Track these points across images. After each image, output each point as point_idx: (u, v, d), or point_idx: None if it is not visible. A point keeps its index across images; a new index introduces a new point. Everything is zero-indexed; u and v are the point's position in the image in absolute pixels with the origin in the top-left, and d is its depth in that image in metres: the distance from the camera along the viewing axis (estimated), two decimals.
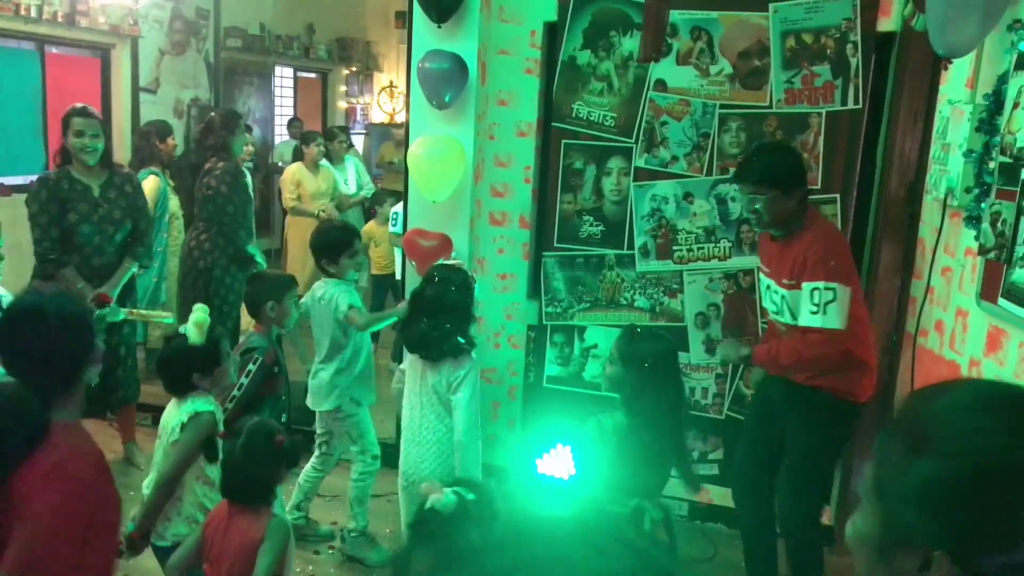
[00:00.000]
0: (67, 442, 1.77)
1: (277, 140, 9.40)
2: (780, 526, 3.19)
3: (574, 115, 3.90)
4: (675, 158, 3.80)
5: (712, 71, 3.70)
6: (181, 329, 2.58)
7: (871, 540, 0.99)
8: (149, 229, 4.38)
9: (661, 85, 3.77)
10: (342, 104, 10.56)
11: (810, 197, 3.61)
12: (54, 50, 6.72)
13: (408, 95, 3.98)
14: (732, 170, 3.70)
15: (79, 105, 4.38)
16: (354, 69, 10.50)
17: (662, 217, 3.84)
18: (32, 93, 6.57)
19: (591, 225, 3.95)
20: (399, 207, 5.05)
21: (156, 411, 2.98)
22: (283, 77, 9.62)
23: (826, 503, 3.34)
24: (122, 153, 7.33)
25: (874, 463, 1.02)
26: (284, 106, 9.67)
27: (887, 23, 3.48)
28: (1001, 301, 2.22)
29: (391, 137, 8.85)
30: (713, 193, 3.76)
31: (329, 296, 3.48)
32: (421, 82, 3.73)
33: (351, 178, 7.03)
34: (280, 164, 8.33)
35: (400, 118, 10.88)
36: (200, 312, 2.57)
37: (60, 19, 6.41)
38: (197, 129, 5.70)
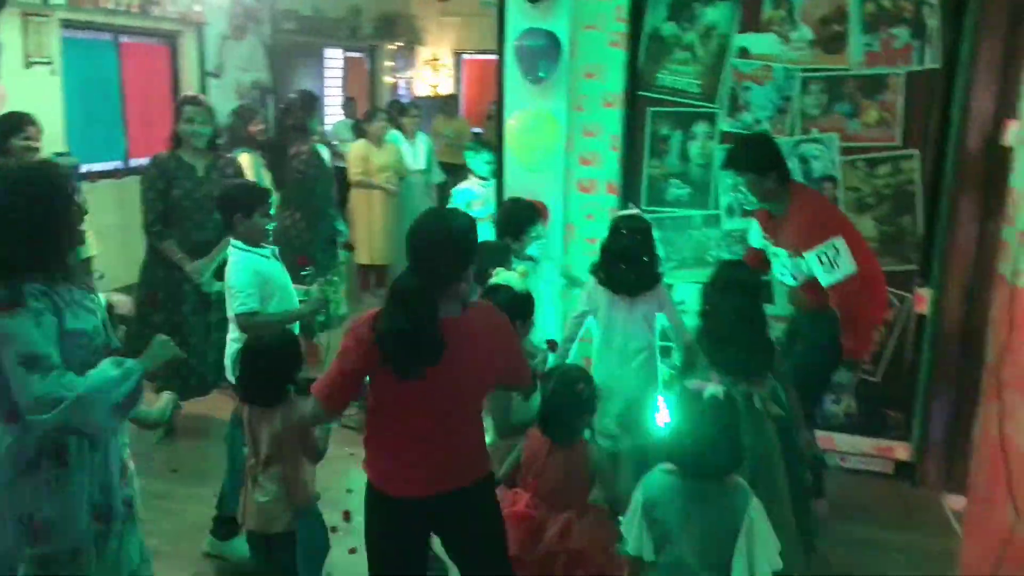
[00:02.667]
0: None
1: (327, 119, 9.65)
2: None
3: (659, 84, 4.14)
4: (758, 121, 4.03)
5: (793, 37, 3.91)
6: (499, 280, 3.02)
7: None
8: None
9: (744, 52, 3.99)
10: (388, 79, 10.79)
11: (890, 154, 3.87)
12: (127, 39, 6.99)
13: (501, 72, 4.22)
14: (814, 131, 3.96)
15: (190, 94, 4.68)
16: (399, 44, 10.71)
17: None
18: (110, 83, 6.86)
19: (678, 188, 4.20)
20: (462, 185, 5.31)
21: None
22: (331, 58, 9.86)
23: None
24: None
25: None
26: (332, 86, 9.91)
27: None
28: None
29: (441, 110, 9.08)
30: (796, 152, 3.98)
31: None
32: (518, 59, 3.97)
33: (421, 154, 7.28)
34: (336, 143, 8.58)
35: (443, 90, 11.11)
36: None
37: (135, 10, 6.68)
38: (278, 110, 5.99)
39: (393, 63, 10.86)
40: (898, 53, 3.79)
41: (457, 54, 11.52)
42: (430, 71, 11.22)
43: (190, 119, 4.26)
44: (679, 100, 4.12)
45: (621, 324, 3.45)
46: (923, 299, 4.01)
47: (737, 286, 3.00)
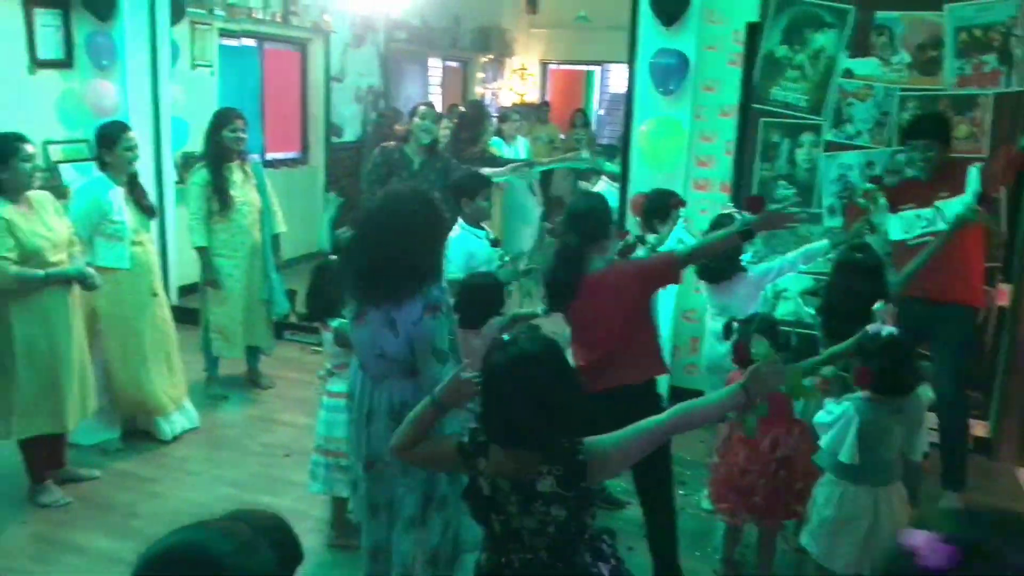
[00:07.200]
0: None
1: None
2: (941, 407, 4.14)
3: (772, 98, 4.74)
4: (859, 132, 4.61)
5: (893, 61, 4.50)
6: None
7: None
8: None
9: (848, 73, 4.59)
10: (480, 90, 11.50)
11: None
12: (269, 46, 7.79)
13: (632, 83, 4.87)
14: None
15: (426, 100, 5.42)
16: (491, 57, 11.42)
17: (847, 181, 4.66)
18: (254, 84, 7.65)
19: (785, 188, 4.80)
20: (599, 186, 5.92)
21: None
22: (432, 67, 10.60)
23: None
24: (316, 131, 8.40)
25: None
26: (434, 93, 10.65)
27: None
28: None
29: (535, 116, 9.76)
30: (892, 162, 4.54)
31: None
32: (652, 73, 4.62)
33: (521, 155, 7.97)
34: None
35: (529, 98, 11.78)
36: None
37: (278, 19, 7.47)
38: (452, 120, 6.66)
39: (484, 74, 11.57)
40: (987, 77, 4.36)
41: (544, 64, 12.21)
42: (518, 80, 11.91)
43: (423, 117, 4.96)
44: (789, 112, 4.73)
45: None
46: (1004, 293, 4.55)
47: (858, 268, 3.56)
